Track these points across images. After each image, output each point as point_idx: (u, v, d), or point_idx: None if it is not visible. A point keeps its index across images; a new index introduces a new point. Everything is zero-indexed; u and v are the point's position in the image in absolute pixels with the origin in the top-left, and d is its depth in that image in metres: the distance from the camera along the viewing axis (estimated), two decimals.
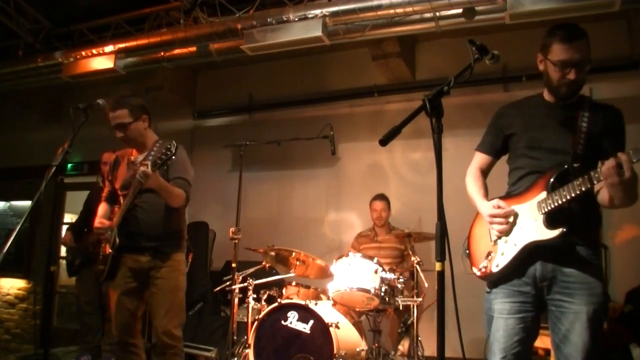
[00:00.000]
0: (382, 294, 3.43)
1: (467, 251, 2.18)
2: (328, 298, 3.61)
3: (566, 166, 1.89)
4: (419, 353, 3.63)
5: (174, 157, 2.64)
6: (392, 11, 3.86)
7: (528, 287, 1.94)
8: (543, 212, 1.89)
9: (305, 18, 4.10)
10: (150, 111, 2.99)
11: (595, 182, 1.75)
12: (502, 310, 1.96)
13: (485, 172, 2.29)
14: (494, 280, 2.02)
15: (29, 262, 6.67)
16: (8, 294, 6.86)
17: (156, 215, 2.81)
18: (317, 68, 5.60)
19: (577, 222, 1.86)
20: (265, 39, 4.21)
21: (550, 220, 1.86)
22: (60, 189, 5.98)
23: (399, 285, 3.58)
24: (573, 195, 1.79)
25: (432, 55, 5.15)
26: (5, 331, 6.76)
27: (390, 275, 3.53)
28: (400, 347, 3.79)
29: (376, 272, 3.46)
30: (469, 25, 3.92)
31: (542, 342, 3.16)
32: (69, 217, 7.09)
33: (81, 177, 6.56)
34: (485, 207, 2.07)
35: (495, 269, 1.99)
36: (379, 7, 3.86)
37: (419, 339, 3.66)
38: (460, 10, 3.80)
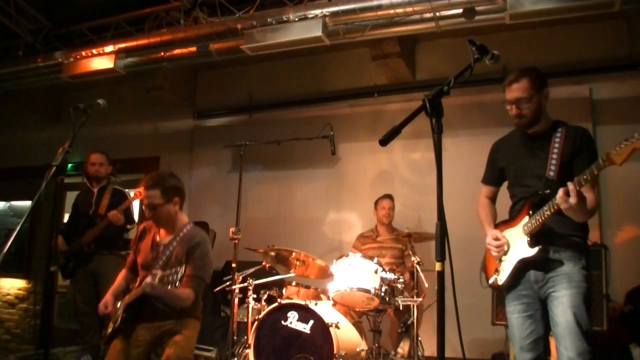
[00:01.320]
0: (382, 294, 3.43)
1: (483, 267, 2.59)
2: (328, 298, 3.61)
3: (540, 192, 2.27)
4: (419, 353, 3.63)
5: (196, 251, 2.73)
6: (392, 11, 3.86)
7: (529, 290, 2.33)
8: (526, 233, 2.29)
9: (305, 18, 4.10)
10: (184, 193, 2.94)
11: (556, 208, 2.10)
12: (514, 311, 2.37)
13: (492, 199, 2.68)
14: (506, 290, 2.43)
15: (29, 262, 6.67)
16: (8, 294, 6.86)
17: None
18: (317, 68, 5.60)
19: (556, 236, 2.26)
20: (265, 39, 4.21)
21: (534, 239, 2.26)
22: (60, 189, 5.99)
23: (399, 285, 3.58)
24: (544, 218, 2.19)
25: (432, 55, 5.15)
26: (5, 331, 6.76)
27: (390, 275, 3.53)
28: (399, 349, 3.79)
29: (376, 272, 3.46)
30: (469, 25, 3.92)
31: None
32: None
33: (81, 177, 6.56)
34: (488, 235, 2.47)
35: (500, 282, 2.42)
36: (379, 7, 3.86)
37: (419, 339, 3.65)
38: (460, 11, 3.80)
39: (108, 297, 2.90)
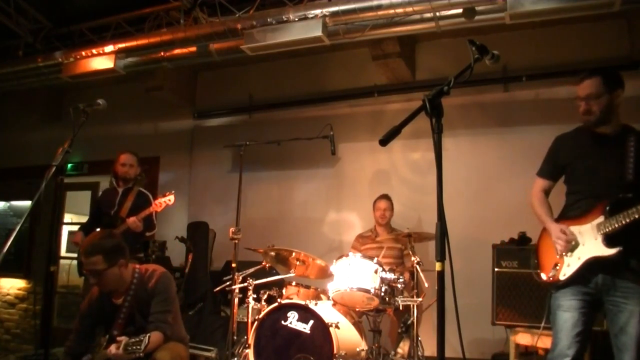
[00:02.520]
0: (382, 294, 3.43)
1: (536, 260, 2.58)
2: (328, 298, 3.61)
3: (621, 195, 2.28)
4: (419, 353, 3.63)
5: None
6: (392, 11, 3.86)
7: (591, 289, 2.34)
8: (602, 232, 2.28)
9: (305, 18, 4.09)
10: (127, 251, 2.76)
11: None
12: (569, 306, 2.35)
13: (547, 193, 2.64)
14: (560, 285, 2.41)
15: (29, 262, 6.67)
16: (8, 294, 6.86)
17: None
18: (317, 68, 5.60)
19: (631, 241, 2.25)
20: (265, 39, 4.21)
21: (609, 239, 2.27)
22: (60, 189, 5.99)
23: (399, 285, 3.58)
24: (628, 221, 2.20)
25: (432, 55, 5.15)
26: (5, 331, 6.76)
27: (390, 275, 3.53)
28: (399, 349, 3.79)
29: (376, 272, 3.46)
30: (469, 25, 3.92)
31: (543, 342, 3.16)
32: (69, 217, 7.11)
33: (81, 177, 6.57)
34: (554, 229, 2.45)
35: (562, 277, 2.39)
36: (379, 7, 3.85)
37: (419, 339, 3.65)
38: (460, 10, 3.79)
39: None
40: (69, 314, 6.52)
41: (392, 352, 3.75)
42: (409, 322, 3.62)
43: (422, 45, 5.19)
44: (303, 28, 4.09)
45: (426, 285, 3.64)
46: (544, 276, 2.49)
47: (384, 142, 1.84)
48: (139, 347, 2.40)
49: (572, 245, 2.38)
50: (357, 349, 3.36)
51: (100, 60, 4.93)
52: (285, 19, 4.16)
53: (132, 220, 3.95)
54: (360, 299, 3.50)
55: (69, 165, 6.52)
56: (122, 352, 2.41)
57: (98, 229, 4.10)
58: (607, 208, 2.29)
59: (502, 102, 4.75)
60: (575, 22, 4.40)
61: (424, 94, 1.78)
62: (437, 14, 3.91)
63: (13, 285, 6.83)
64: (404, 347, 3.78)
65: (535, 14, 3.60)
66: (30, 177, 6.01)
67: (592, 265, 2.31)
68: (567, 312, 2.35)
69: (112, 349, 2.45)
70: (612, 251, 2.25)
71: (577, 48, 4.53)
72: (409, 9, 3.82)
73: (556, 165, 2.59)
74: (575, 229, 2.40)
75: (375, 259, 3.56)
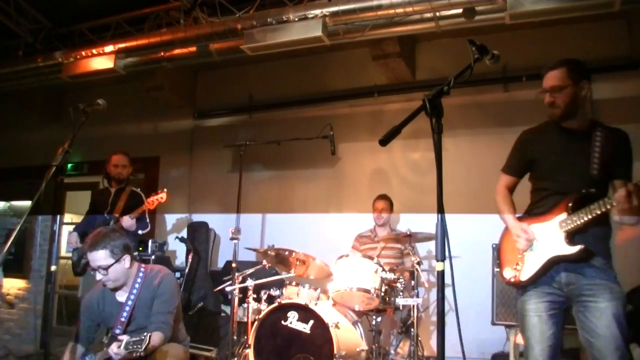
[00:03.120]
0: (382, 294, 3.43)
1: (498, 261, 2.47)
2: (328, 298, 3.61)
3: (584, 191, 2.20)
4: (419, 353, 3.63)
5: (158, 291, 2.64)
6: (392, 11, 3.86)
7: (556, 290, 2.24)
8: (564, 230, 2.20)
9: (305, 18, 4.09)
10: (131, 249, 2.76)
11: (608, 207, 2.08)
12: (536, 309, 2.25)
13: (511, 190, 2.55)
14: (524, 286, 2.31)
15: (29, 262, 6.67)
16: (8, 294, 6.85)
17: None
18: (317, 68, 5.60)
19: (593, 238, 2.19)
20: (265, 39, 4.21)
21: (571, 237, 2.19)
22: (60, 189, 5.97)
23: (399, 285, 3.58)
24: (590, 217, 2.13)
25: (432, 55, 5.15)
26: (5, 331, 6.76)
27: (390, 275, 3.53)
28: (399, 349, 3.79)
29: (376, 272, 3.46)
30: (469, 25, 3.92)
31: None
32: (69, 217, 7.10)
33: (81, 177, 6.57)
34: (515, 227, 2.36)
35: (524, 278, 2.29)
36: (379, 7, 3.85)
37: (419, 339, 3.66)
38: (460, 10, 3.79)
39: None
40: (69, 314, 6.52)
41: (392, 352, 3.75)
42: (409, 322, 3.63)
43: (422, 45, 5.19)
44: (303, 28, 4.09)
45: (426, 285, 3.64)
46: (506, 276, 2.39)
47: (384, 142, 1.84)
48: (139, 346, 2.41)
49: (533, 245, 2.30)
50: (357, 349, 3.37)
51: (100, 60, 4.93)
52: (285, 19, 4.16)
53: (125, 219, 3.97)
54: (360, 299, 3.50)
55: (69, 165, 6.52)
56: (123, 351, 2.41)
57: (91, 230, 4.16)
58: (570, 205, 2.21)
59: (502, 102, 4.75)
60: (575, 22, 4.40)
61: (424, 94, 1.78)
62: (437, 14, 3.91)
63: (13, 285, 6.83)
64: (403, 347, 3.78)
65: (535, 14, 3.60)
66: (30, 177, 6.01)
67: (555, 265, 2.23)
68: (535, 316, 2.25)
69: (114, 347, 2.46)
70: (574, 249, 2.17)
71: (577, 48, 4.52)
72: (409, 9, 3.82)
73: (522, 161, 2.48)
74: (538, 227, 2.31)
75: (376, 259, 3.56)
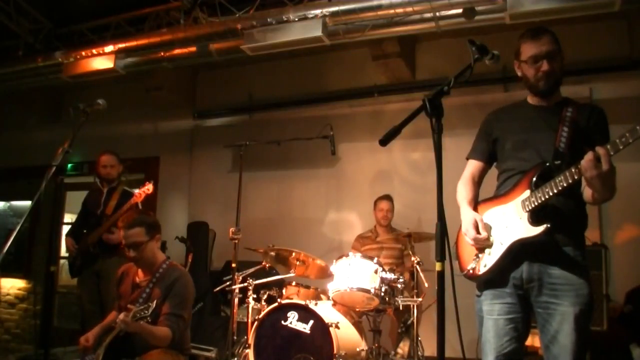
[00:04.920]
0: (382, 294, 3.43)
1: (456, 253, 2.19)
2: (328, 298, 3.61)
3: (547, 164, 1.94)
4: (419, 353, 3.63)
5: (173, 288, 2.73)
6: (392, 11, 3.86)
7: (515, 289, 1.97)
8: (527, 209, 1.92)
9: (305, 18, 4.09)
10: (160, 229, 2.93)
11: (575, 177, 1.78)
12: (492, 312, 2.01)
13: (477, 179, 2.27)
14: (483, 281, 2.05)
15: (29, 262, 6.67)
16: (8, 294, 6.86)
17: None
18: (317, 68, 5.60)
19: (562, 219, 1.91)
20: (265, 39, 4.21)
21: (535, 217, 1.90)
22: (60, 189, 5.98)
23: (399, 285, 3.58)
24: (555, 191, 1.83)
25: (432, 55, 5.15)
26: (5, 331, 6.76)
27: (390, 275, 3.53)
28: (399, 349, 3.79)
29: (376, 272, 3.46)
30: (469, 25, 3.92)
31: None
32: (69, 217, 7.09)
33: (81, 177, 6.57)
34: (467, 219, 2.08)
35: (483, 269, 2.02)
36: (379, 7, 3.86)
37: (419, 339, 3.65)
38: (460, 10, 3.79)
39: (94, 331, 2.89)
40: (69, 314, 6.51)
41: (392, 352, 3.75)
42: (409, 322, 3.63)
43: (422, 45, 5.19)
44: (303, 28, 4.09)
45: (426, 285, 3.64)
46: (463, 269, 2.10)
47: (384, 142, 1.84)
48: (146, 312, 2.52)
49: (484, 242, 2.00)
50: (357, 349, 3.36)
51: (100, 60, 4.93)
52: (285, 19, 4.16)
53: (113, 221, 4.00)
54: (360, 299, 3.50)
55: (69, 165, 6.52)
56: (130, 319, 2.50)
57: (85, 230, 4.17)
58: (533, 179, 1.92)
59: (502, 102, 4.67)
60: (575, 22, 4.40)
61: (424, 94, 1.78)
62: (437, 14, 3.91)
63: (13, 285, 6.83)
64: (404, 347, 3.78)
65: (535, 14, 3.60)
66: (31, 177, 6.00)
67: (517, 252, 1.93)
68: (491, 319, 1.99)
69: (121, 315, 2.54)
70: (538, 230, 1.87)
71: (577, 48, 4.52)
72: (409, 9, 3.82)
73: (487, 141, 2.21)
74: (499, 210, 2.03)
75: (375, 259, 3.56)
